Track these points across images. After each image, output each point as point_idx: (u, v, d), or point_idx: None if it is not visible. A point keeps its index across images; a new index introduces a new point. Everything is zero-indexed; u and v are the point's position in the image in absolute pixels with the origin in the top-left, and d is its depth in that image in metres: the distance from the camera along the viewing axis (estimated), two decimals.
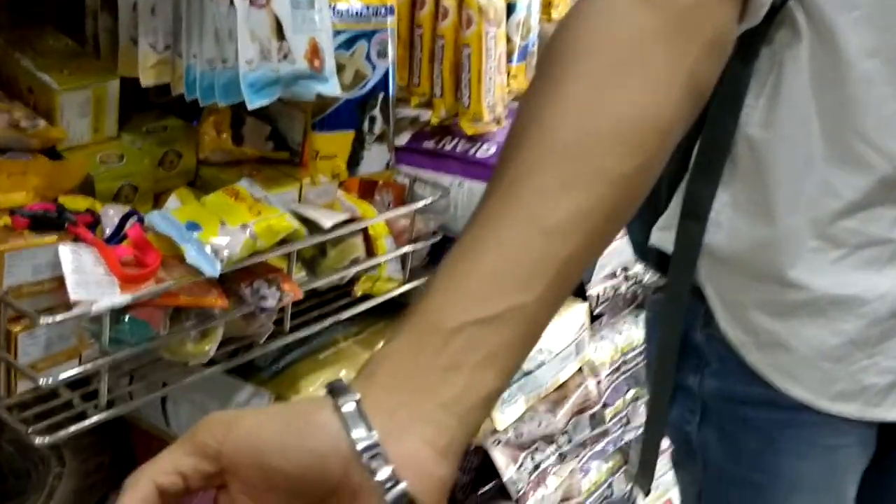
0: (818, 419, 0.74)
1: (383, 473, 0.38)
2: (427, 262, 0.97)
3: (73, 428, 0.66)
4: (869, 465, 0.82)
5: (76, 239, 0.66)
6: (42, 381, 0.63)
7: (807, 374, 0.73)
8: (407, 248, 0.90)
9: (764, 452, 0.76)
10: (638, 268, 1.30)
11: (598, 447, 1.27)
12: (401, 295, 0.94)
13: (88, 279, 0.64)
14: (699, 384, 0.78)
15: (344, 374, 0.88)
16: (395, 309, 0.99)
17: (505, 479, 1.05)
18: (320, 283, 0.82)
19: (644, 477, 0.91)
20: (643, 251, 0.82)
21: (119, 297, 0.64)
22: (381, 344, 0.44)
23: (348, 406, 0.39)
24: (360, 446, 0.38)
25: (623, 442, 1.34)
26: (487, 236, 0.44)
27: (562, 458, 1.16)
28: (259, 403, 0.82)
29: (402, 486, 0.38)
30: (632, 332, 1.33)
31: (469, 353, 0.41)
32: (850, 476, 0.78)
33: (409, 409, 0.40)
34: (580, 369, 1.18)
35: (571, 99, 0.47)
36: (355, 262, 0.84)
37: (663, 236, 0.77)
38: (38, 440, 0.65)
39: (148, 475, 0.38)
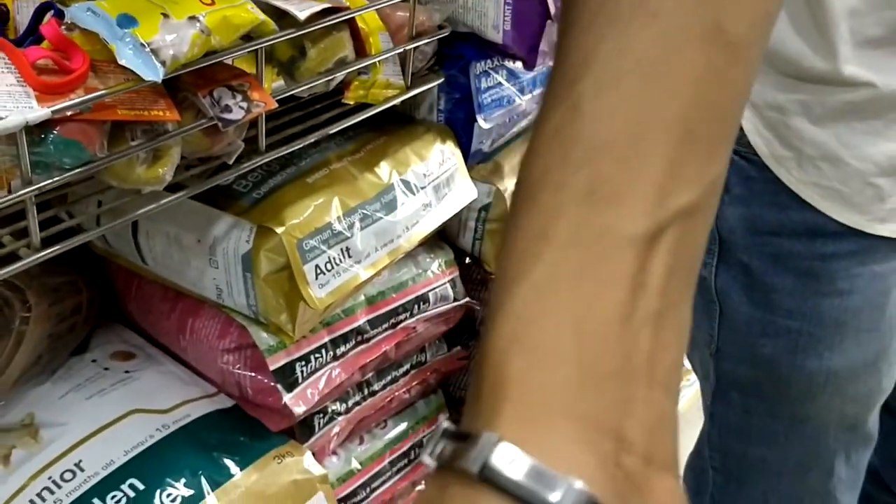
0: (866, 245, 0.62)
1: None
2: (432, 63, 0.83)
3: (3, 270, 0.56)
4: None
5: None
6: None
7: (858, 192, 0.61)
8: (407, 46, 0.75)
9: (802, 293, 0.65)
10: None
11: None
12: (403, 105, 0.81)
13: None
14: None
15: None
16: (396, 121, 0.86)
17: None
18: (300, 89, 0.68)
19: None
20: None
21: (36, 112, 0.51)
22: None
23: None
24: None
25: None
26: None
27: None
28: (239, 234, 0.71)
29: None
30: None
31: (672, 275, 0.26)
32: None
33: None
34: None
35: None
36: (342, 63, 0.70)
37: None
38: None
39: None
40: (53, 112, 0.51)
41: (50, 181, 0.54)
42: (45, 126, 0.52)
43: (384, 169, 0.80)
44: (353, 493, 0.90)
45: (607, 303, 0.24)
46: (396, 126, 0.85)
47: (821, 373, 0.66)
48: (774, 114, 0.61)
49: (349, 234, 0.75)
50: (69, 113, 0.53)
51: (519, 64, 0.86)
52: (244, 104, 0.62)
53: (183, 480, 0.70)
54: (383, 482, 0.94)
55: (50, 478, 0.68)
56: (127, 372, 0.79)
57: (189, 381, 0.81)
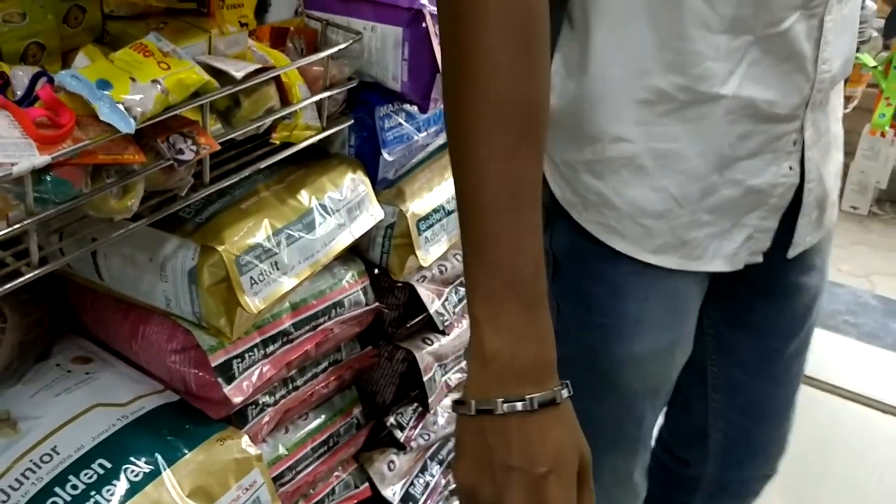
0: (652, 267, 0.79)
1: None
2: (344, 108, 0.99)
3: (8, 285, 0.69)
4: (722, 302, 0.88)
5: None
6: None
7: (630, 229, 0.77)
8: (322, 95, 0.91)
9: (610, 299, 0.81)
10: None
11: None
12: (320, 142, 0.97)
13: (5, 142, 0.65)
14: (549, 241, 0.81)
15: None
16: (314, 156, 1.02)
17: (431, 311, 1.12)
18: (236, 133, 0.83)
19: None
20: None
21: (39, 158, 0.65)
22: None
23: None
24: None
25: None
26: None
27: None
28: (185, 254, 0.85)
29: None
30: None
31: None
32: (689, 312, 0.85)
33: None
34: None
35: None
36: (270, 111, 0.85)
37: None
38: None
39: None
40: (53, 158, 0.65)
41: (47, 213, 0.68)
42: (43, 169, 0.66)
43: (304, 196, 0.95)
44: (281, 475, 1.05)
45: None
46: (314, 160, 1.01)
47: (625, 354, 0.82)
48: (566, 169, 0.77)
49: (277, 251, 0.90)
50: (62, 158, 0.67)
51: (416, 108, 1.03)
52: (193, 147, 0.77)
53: (143, 459, 0.84)
54: (306, 466, 1.09)
55: (31, 460, 0.80)
56: (87, 374, 0.92)
57: (140, 380, 0.94)
